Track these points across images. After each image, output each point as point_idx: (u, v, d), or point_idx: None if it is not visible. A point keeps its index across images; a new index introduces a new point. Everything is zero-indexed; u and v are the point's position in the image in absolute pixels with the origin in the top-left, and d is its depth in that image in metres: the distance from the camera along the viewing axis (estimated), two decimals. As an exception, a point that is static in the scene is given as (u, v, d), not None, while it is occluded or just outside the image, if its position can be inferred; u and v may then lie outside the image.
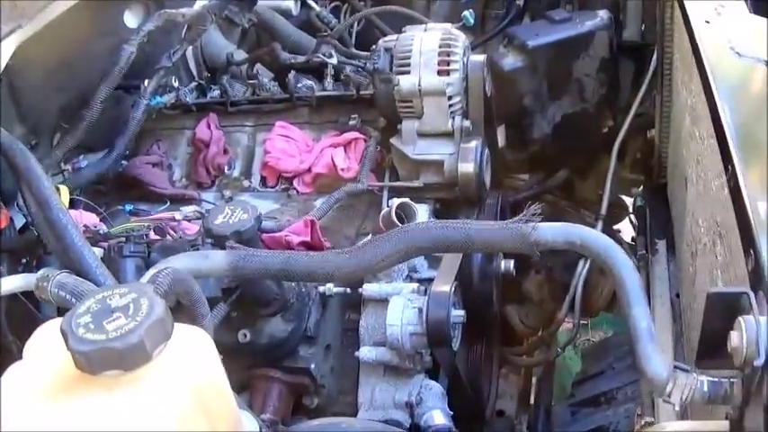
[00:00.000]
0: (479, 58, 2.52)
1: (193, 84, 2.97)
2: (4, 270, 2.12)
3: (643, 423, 2.28)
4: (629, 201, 3.45)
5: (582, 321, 3.14)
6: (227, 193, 2.73)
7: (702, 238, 2.01)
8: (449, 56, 2.44)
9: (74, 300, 1.65)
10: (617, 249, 1.50)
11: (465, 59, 2.48)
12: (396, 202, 2.10)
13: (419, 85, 2.43)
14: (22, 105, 2.39)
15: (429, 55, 2.45)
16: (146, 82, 2.73)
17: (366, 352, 2.20)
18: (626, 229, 3.57)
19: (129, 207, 2.62)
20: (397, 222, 2.05)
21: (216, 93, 2.94)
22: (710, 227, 1.88)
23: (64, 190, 2.13)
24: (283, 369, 2.19)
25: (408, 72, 2.45)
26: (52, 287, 1.70)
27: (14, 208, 2.26)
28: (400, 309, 2.11)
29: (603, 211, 3.06)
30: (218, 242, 1.83)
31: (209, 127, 2.81)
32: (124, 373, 1.04)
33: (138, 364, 1.04)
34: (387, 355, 2.18)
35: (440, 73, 2.44)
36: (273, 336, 2.13)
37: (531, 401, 3.31)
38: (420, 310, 2.09)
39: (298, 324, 2.13)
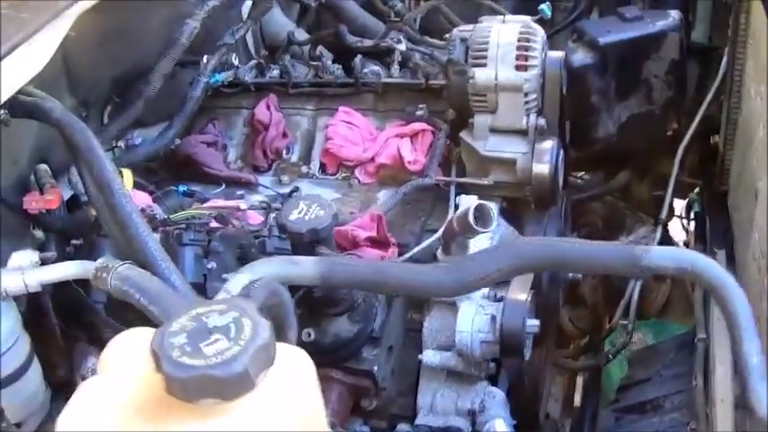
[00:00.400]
0: (558, 54, 2.44)
1: (252, 62, 2.86)
2: (52, 254, 2.02)
3: None
4: (677, 203, 3.35)
5: (623, 322, 3.06)
6: (285, 178, 2.64)
7: (777, 257, 1.94)
8: (527, 50, 2.34)
9: (138, 295, 1.56)
10: (731, 281, 1.41)
11: (543, 55, 2.38)
12: (472, 203, 2.00)
13: (495, 80, 2.34)
14: (74, 76, 2.28)
15: (507, 48, 2.34)
16: (205, 58, 2.64)
17: (430, 356, 2.12)
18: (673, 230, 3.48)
19: (182, 188, 2.53)
20: (474, 224, 1.95)
21: (275, 73, 2.85)
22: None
23: (127, 174, 2.03)
24: (345, 370, 2.09)
25: (485, 65, 2.35)
26: (113, 279, 1.61)
27: (63, 183, 2.17)
28: (471, 315, 2.02)
29: (664, 215, 2.98)
30: (294, 239, 1.73)
31: (268, 108, 2.71)
32: (223, 402, 0.94)
33: (240, 393, 0.94)
34: (452, 360, 2.10)
35: (518, 68, 2.34)
36: (339, 336, 2.04)
37: (575, 404, 3.26)
38: (493, 318, 2.01)
39: (364, 325, 2.04)
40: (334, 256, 1.51)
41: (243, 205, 2.08)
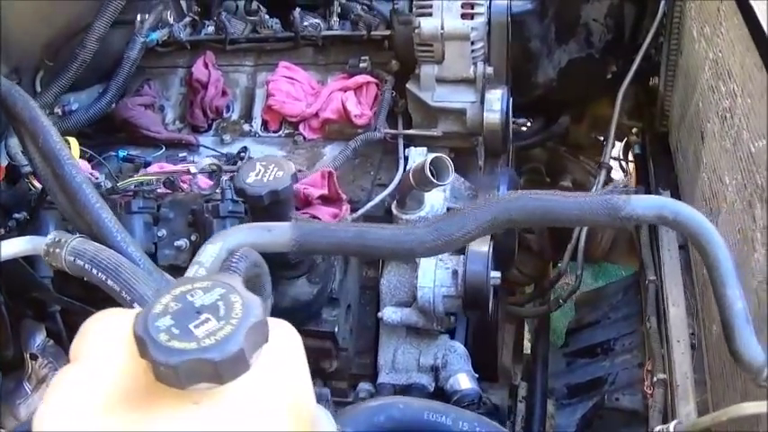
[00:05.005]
0: (503, 2, 2.40)
1: (187, 19, 2.76)
2: None
3: (655, 380, 2.23)
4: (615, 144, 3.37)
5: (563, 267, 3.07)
6: (227, 137, 2.58)
7: (729, 197, 1.95)
8: (473, -2, 2.31)
9: (94, 270, 1.49)
10: (711, 229, 1.39)
11: (488, 3, 2.34)
12: (429, 156, 1.96)
13: (441, 29, 2.29)
14: (4, 41, 2.18)
15: (452, -3, 2.31)
16: (139, 17, 2.55)
17: (390, 313, 2.09)
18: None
19: (122, 153, 2.46)
20: (431, 177, 1.91)
21: (210, 29, 2.76)
22: (745, 187, 1.81)
23: (74, 143, 1.95)
24: (305, 333, 2.03)
25: (430, 14, 2.30)
26: (66, 254, 1.53)
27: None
28: (432, 269, 2.00)
29: (607, 159, 2.97)
30: (252, 203, 1.66)
31: (206, 67, 2.63)
32: (217, 385, 0.89)
33: (235, 375, 0.89)
34: (413, 316, 2.08)
35: (463, 16, 2.30)
36: (297, 299, 1.97)
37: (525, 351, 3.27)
38: (455, 272, 1.98)
39: (323, 286, 1.98)
40: (308, 221, 1.45)
41: (193, 169, 2.00)
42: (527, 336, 3.42)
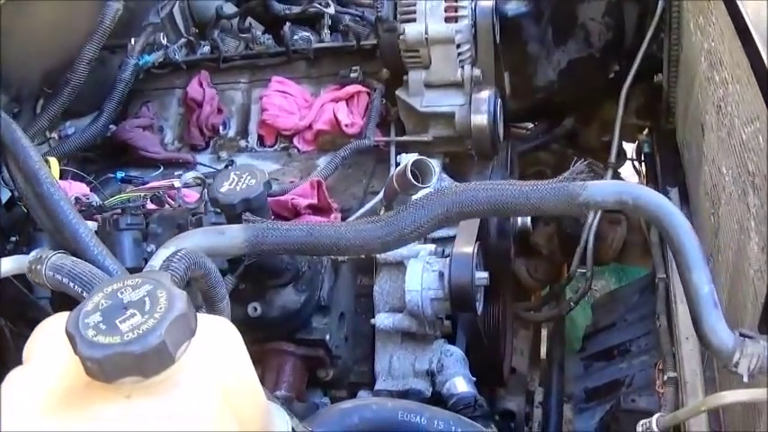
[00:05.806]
0: (488, 3, 2.38)
1: (182, 40, 2.81)
2: None
3: (666, 378, 2.20)
4: (627, 146, 3.34)
5: (581, 270, 3.04)
6: (224, 154, 2.60)
7: (727, 187, 1.91)
8: (456, 1, 2.31)
9: (71, 284, 1.51)
10: (674, 210, 1.38)
11: (473, 5, 2.34)
12: (410, 158, 1.97)
13: (426, 34, 2.30)
14: (4, 71, 2.23)
15: (435, 1, 2.31)
16: (132, 40, 2.58)
17: (383, 319, 2.09)
18: (625, 174, 3.46)
19: (120, 174, 2.48)
20: (413, 180, 1.92)
21: (206, 49, 2.81)
22: (740, 176, 1.78)
23: (54, 162, 1.97)
24: (297, 342, 2.05)
25: (414, 20, 2.31)
26: (46, 270, 1.55)
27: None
28: (419, 273, 1.99)
29: (613, 158, 2.94)
30: (226, 211, 1.68)
31: (201, 85, 2.67)
32: (143, 379, 0.90)
33: (160, 368, 0.90)
34: (405, 321, 2.07)
35: (447, 20, 2.30)
36: (285, 307, 1.98)
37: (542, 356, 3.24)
38: (441, 274, 1.98)
39: (311, 294, 2.00)
40: (261, 222, 1.46)
41: (177, 183, 2.03)
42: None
